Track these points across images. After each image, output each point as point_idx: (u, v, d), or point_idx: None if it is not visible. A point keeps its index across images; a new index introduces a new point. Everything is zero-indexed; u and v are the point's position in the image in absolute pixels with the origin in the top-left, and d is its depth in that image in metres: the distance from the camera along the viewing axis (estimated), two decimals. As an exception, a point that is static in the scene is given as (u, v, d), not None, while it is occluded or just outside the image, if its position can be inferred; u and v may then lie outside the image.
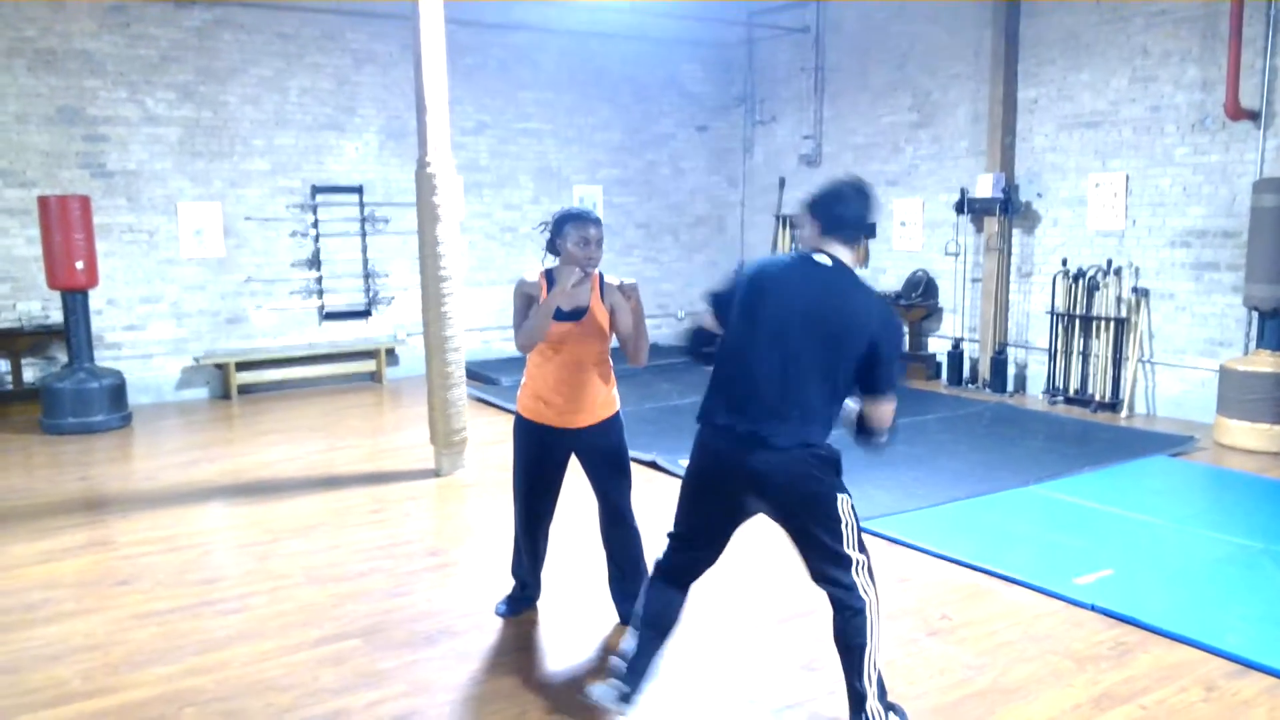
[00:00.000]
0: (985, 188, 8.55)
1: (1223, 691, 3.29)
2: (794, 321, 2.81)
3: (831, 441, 2.86)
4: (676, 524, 3.05)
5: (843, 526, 2.83)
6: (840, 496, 2.83)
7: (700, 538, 3.01)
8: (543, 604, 4.12)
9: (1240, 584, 4.23)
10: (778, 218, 11.15)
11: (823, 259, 2.90)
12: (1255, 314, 6.87)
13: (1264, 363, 6.56)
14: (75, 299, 7.56)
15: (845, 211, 2.95)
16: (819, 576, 2.88)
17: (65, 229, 7.36)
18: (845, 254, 2.93)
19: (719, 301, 3.02)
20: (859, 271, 2.92)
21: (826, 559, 2.84)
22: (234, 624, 3.96)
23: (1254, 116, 6.94)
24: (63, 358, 7.99)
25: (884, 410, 2.88)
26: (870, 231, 3.18)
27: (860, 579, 2.84)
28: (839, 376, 2.83)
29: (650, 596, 3.06)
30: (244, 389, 8.89)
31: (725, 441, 2.85)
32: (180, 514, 5.46)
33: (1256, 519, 5.13)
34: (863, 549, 2.86)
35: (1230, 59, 6.89)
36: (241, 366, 8.85)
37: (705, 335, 3.09)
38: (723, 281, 3.07)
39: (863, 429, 2.94)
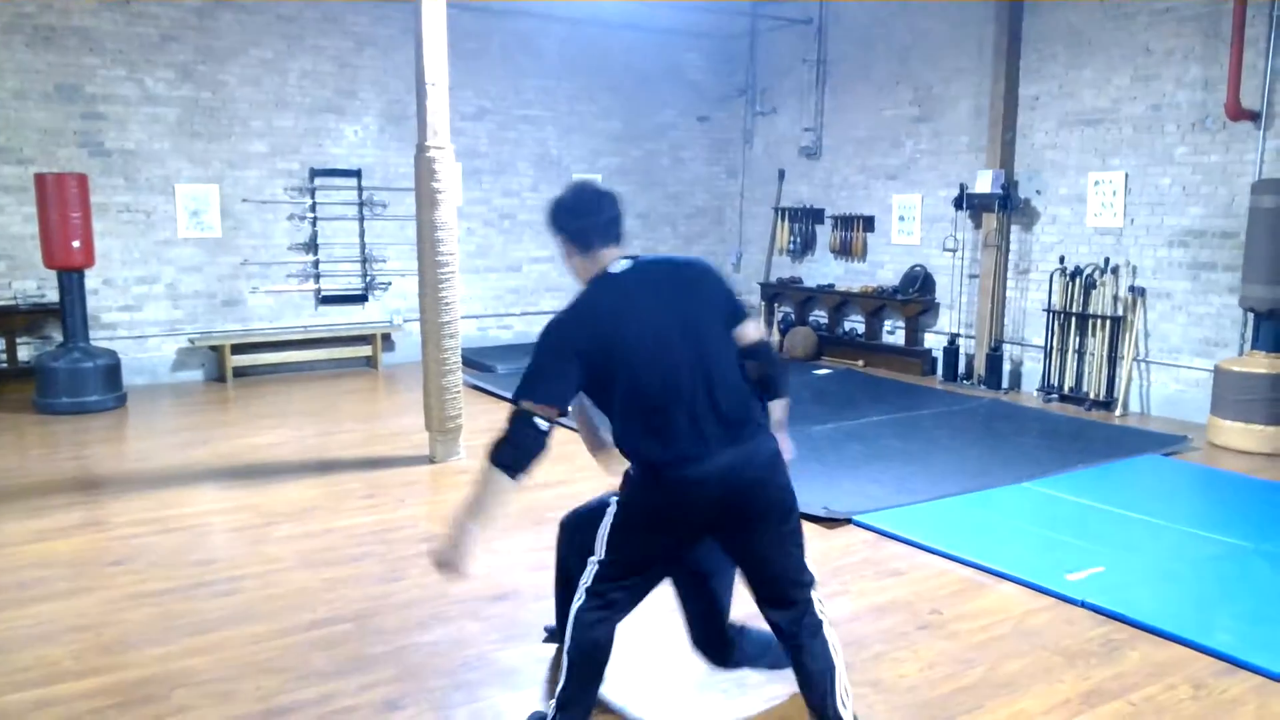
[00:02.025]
0: (984, 184, 8.54)
1: (1211, 689, 3.31)
2: (668, 324, 2.58)
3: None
4: (616, 558, 2.72)
5: (802, 538, 2.74)
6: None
7: (652, 571, 2.78)
8: (531, 591, 4.12)
9: (1230, 583, 4.25)
10: (776, 210, 11.13)
11: (619, 265, 2.68)
12: (1251, 315, 6.88)
13: (1258, 364, 6.58)
14: (71, 278, 7.54)
15: (603, 215, 2.72)
16: (777, 601, 2.68)
17: (62, 207, 7.33)
18: (617, 251, 2.72)
19: (570, 391, 2.59)
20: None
21: (790, 578, 2.67)
22: (226, 606, 3.97)
23: (1254, 117, 6.93)
24: (58, 337, 7.97)
25: (758, 329, 2.79)
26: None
27: (815, 593, 2.72)
28: (729, 341, 2.68)
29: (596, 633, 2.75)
30: (239, 372, 8.88)
31: (695, 474, 2.53)
32: (174, 495, 5.46)
33: (1248, 519, 5.15)
34: None
35: (1232, 59, 6.88)
36: (237, 349, 8.83)
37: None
38: (548, 378, 2.55)
39: (774, 361, 2.81)
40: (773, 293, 11.01)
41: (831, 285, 10.41)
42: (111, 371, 7.69)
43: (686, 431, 2.53)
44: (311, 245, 9.22)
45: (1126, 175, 7.77)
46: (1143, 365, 7.77)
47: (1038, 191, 8.47)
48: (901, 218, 9.75)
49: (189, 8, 8.46)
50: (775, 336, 10.64)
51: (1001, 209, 8.53)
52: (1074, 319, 8.08)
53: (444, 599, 4.04)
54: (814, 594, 2.72)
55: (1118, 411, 7.72)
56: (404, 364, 9.47)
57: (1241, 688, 3.32)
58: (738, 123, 11.62)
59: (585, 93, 10.64)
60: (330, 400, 8.12)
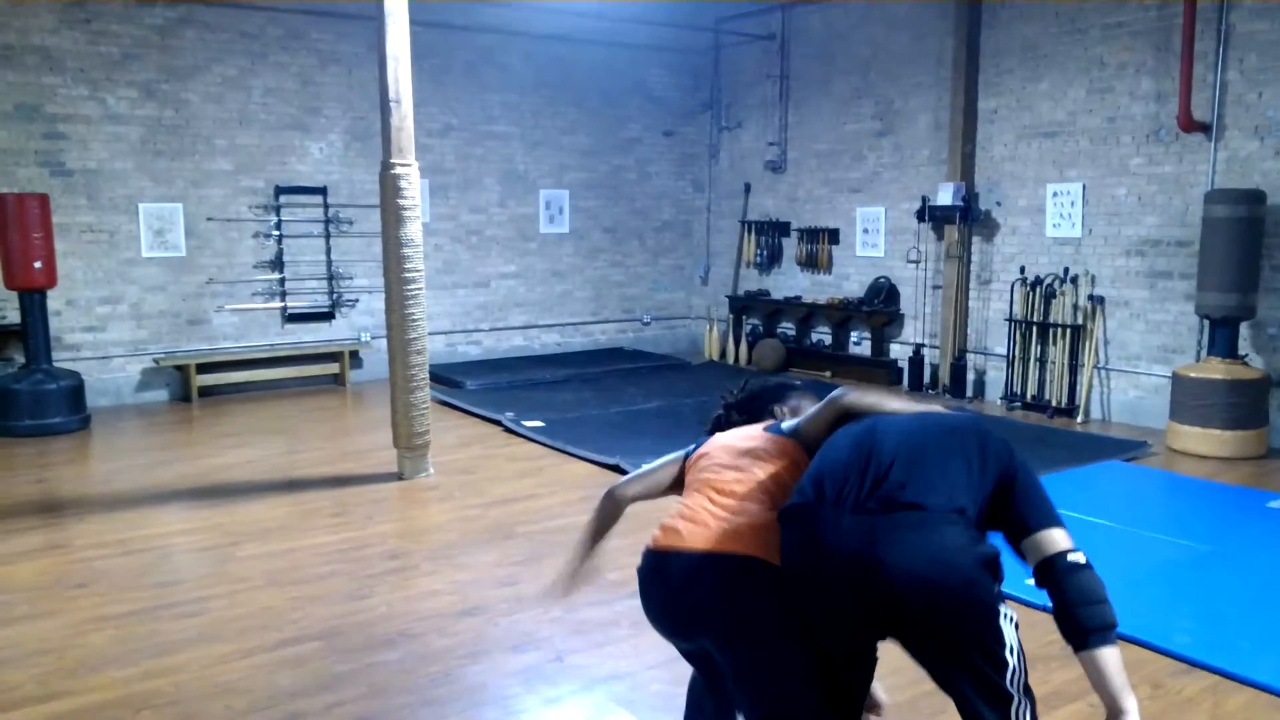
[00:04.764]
0: (946, 196, 8.66)
1: (1168, 689, 3.37)
2: None
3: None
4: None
5: None
6: None
7: None
8: (499, 607, 4.13)
9: (1188, 585, 4.34)
10: (743, 223, 11.22)
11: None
12: (1206, 322, 7.02)
13: (1214, 370, 6.71)
14: (33, 299, 7.46)
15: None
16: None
17: (23, 228, 7.26)
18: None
19: None
20: None
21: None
22: (192, 627, 3.94)
23: (1205, 129, 7.09)
24: (20, 359, 7.87)
25: None
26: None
27: None
28: None
29: None
30: (205, 391, 8.81)
31: None
32: (139, 517, 5.41)
33: (1205, 522, 5.26)
34: None
35: (1182, 73, 7.04)
36: (202, 368, 8.76)
37: None
38: None
39: None
40: (740, 305, 11.09)
41: (799, 297, 10.50)
42: (75, 393, 7.60)
43: None
44: (277, 263, 9.18)
45: (1084, 186, 7.92)
46: (1103, 373, 7.90)
47: (998, 203, 8.60)
48: (865, 230, 9.86)
49: (151, 26, 8.42)
50: (744, 349, 10.72)
51: (963, 221, 8.65)
52: (1035, 328, 8.20)
53: (412, 615, 4.04)
54: None
55: (1079, 418, 7.84)
56: (372, 381, 9.44)
57: (1197, 687, 3.39)
58: (703, 137, 11.72)
59: (551, 108, 10.68)
60: (297, 418, 8.07)
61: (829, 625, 2.18)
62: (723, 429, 2.67)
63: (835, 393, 2.41)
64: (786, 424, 2.49)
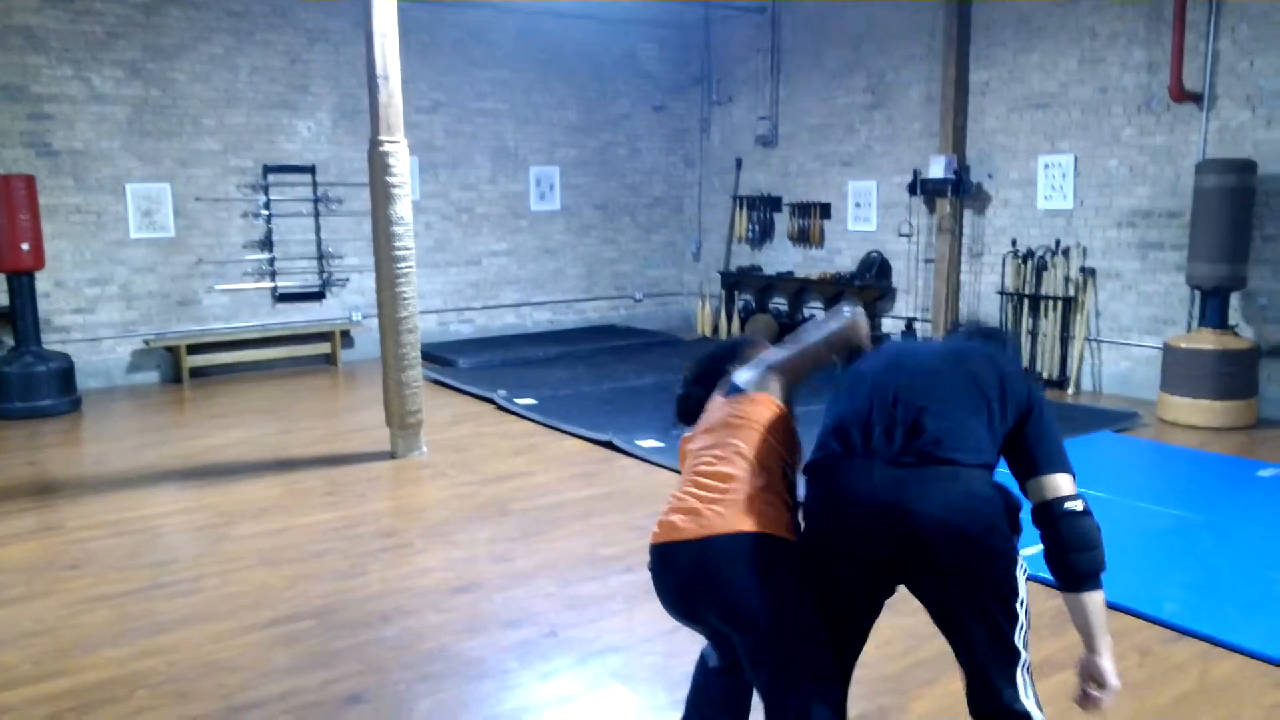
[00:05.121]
0: (938, 169, 8.64)
1: (1157, 656, 3.40)
2: None
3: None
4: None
5: None
6: None
7: None
8: (494, 583, 4.14)
9: (1178, 554, 4.37)
10: (735, 198, 11.19)
11: None
12: (1197, 293, 7.03)
13: (1205, 340, 6.73)
14: (21, 281, 7.43)
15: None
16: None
17: (10, 210, 7.22)
18: None
19: None
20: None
21: None
22: (186, 606, 3.95)
23: (1197, 99, 7.07)
24: (9, 341, 7.83)
25: None
26: None
27: None
28: None
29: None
30: (196, 372, 8.78)
31: None
32: (131, 498, 5.41)
33: (1195, 492, 5.29)
34: None
35: (1174, 42, 7.02)
36: (193, 349, 8.74)
37: None
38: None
39: None
40: (733, 281, 11.07)
41: (790, 272, 10.49)
42: (65, 375, 7.58)
43: None
44: (267, 243, 9.14)
45: (1075, 158, 7.90)
46: (1094, 344, 7.91)
47: (989, 176, 8.58)
48: (857, 204, 9.84)
49: (135, 4, 8.33)
50: (736, 324, 10.71)
51: (954, 194, 8.63)
52: (1027, 300, 8.20)
53: (406, 592, 4.05)
54: None
55: (1070, 390, 7.86)
56: (364, 360, 9.43)
57: (1186, 653, 3.42)
58: (694, 112, 11.66)
59: (541, 84, 10.62)
60: (289, 398, 8.06)
61: (846, 580, 2.21)
62: (691, 411, 2.58)
63: (810, 337, 2.45)
64: (742, 377, 2.42)
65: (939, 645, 3.47)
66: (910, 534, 2.03)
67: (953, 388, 2.20)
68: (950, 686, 3.20)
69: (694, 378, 2.64)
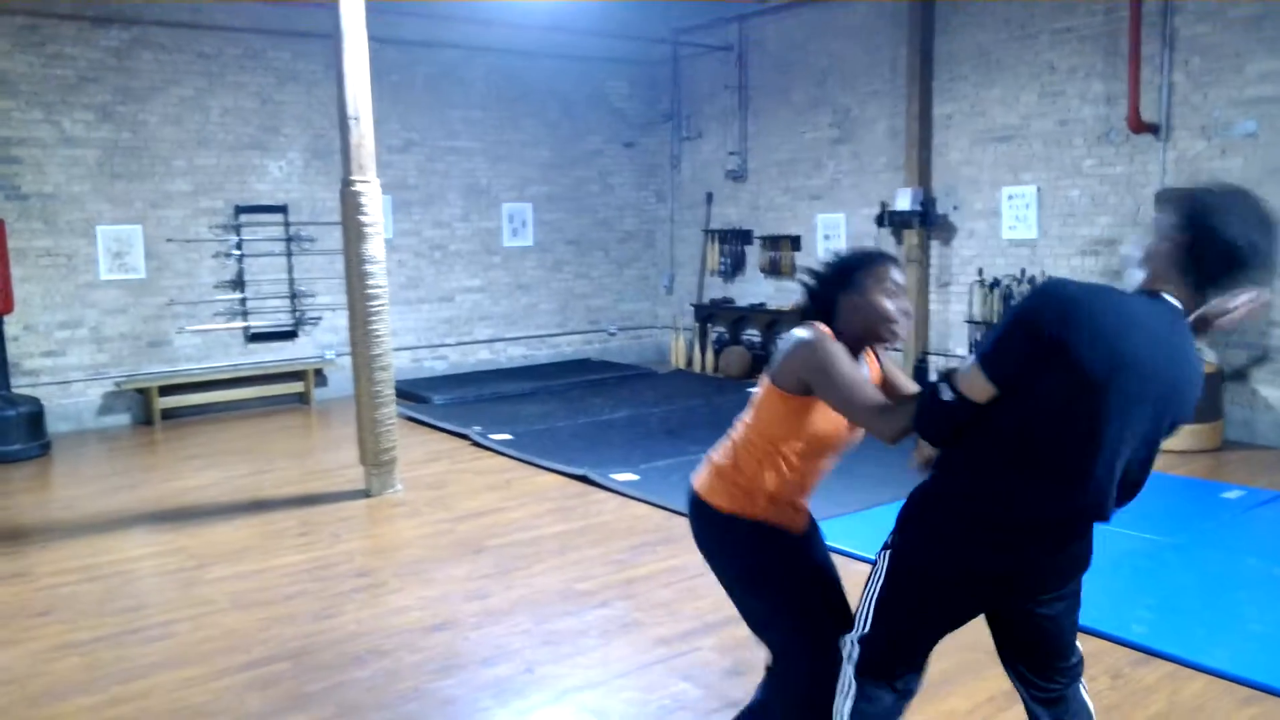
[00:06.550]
0: (904, 201, 8.78)
1: (1128, 678, 3.44)
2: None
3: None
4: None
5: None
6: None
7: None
8: (469, 621, 4.14)
9: (1146, 577, 4.43)
10: (706, 232, 11.30)
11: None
12: (1160, 318, 7.15)
13: (1169, 365, 6.83)
14: (-11, 325, 7.38)
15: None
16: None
17: (-23, 254, 7.18)
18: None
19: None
20: None
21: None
22: (158, 651, 3.91)
23: (1155, 130, 7.25)
24: (-23, 386, 7.76)
25: None
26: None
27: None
28: None
29: None
30: (168, 414, 8.72)
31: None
32: (101, 543, 5.35)
33: (1162, 514, 5.34)
34: None
35: (1130, 75, 7.20)
36: (165, 391, 8.68)
37: None
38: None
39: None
40: (706, 313, 11.15)
41: (763, 304, 10.58)
42: (34, 419, 7.51)
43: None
44: (239, 283, 9.13)
45: (1039, 189, 8.06)
46: (1062, 371, 8.02)
47: (955, 207, 8.73)
48: (827, 236, 9.96)
49: (106, 48, 8.35)
50: (710, 357, 10.78)
51: (921, 225, 8.77)
52: (995, 329, 8.31)
53: (381, 632, 4.03)
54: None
55: (1041, 417, 7.95)
56: (338, 399, 9.39)
57: (1155, 675, 3.47)
58: (665, 148, 11.78)
59: (512, 122, 10.71)
60: (262, 439, 8.02)
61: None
62: (812, 310, 2.45)
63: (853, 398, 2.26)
64: (774, 361, 2.38)
65: (946, 656, 3.49)
66: (1080, 559, 2.47)
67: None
68: (926, 713, 3.22)
69: (815, 295, 2.47)
